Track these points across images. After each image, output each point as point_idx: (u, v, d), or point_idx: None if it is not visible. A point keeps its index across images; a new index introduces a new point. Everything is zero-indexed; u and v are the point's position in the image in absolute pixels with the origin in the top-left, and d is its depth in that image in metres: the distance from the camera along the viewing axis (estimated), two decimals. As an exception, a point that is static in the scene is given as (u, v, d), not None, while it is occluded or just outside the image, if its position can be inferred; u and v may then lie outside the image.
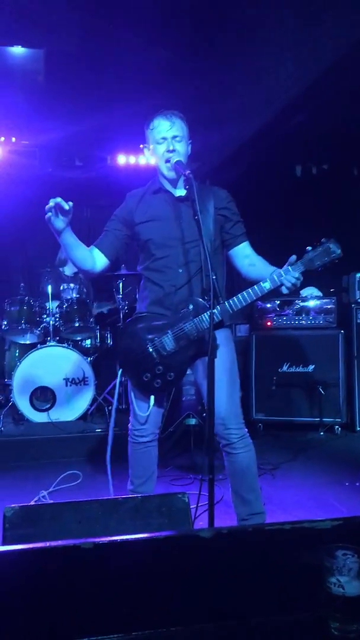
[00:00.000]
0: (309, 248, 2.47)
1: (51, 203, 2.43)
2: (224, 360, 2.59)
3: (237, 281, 2.86)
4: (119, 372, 2.77)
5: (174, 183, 2.66)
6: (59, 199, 2.43)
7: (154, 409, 2.69)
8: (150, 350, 2.60)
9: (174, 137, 2.59)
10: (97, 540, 1.13)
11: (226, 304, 2.52)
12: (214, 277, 2.29)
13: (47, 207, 2.44)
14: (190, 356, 2.63)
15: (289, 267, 2.45)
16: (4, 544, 1.49)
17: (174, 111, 2.65)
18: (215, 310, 2.46)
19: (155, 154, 2.65)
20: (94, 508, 1.53)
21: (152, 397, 2.67)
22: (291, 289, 2.47)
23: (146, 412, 2.68)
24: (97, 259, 2.73)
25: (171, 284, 2.63)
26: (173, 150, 2.58)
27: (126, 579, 1.14)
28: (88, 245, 2.75)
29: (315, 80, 4.29)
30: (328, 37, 3.95)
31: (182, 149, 2.61)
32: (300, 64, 4.36)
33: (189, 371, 2.80)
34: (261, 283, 2.49)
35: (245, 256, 2.72)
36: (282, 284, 2.47)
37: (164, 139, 2.60)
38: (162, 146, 2.60)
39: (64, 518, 1.50)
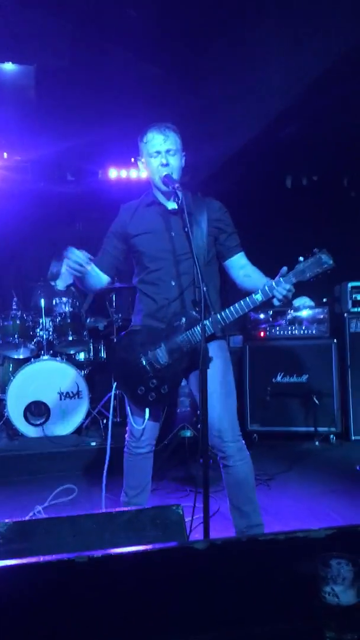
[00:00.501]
0: (301, 259, 2.46)
1: (73, 265, 2.51)
2: (218, 371, 2.59)
3: (231, 292, 2.87)
4: (114, 386, 2.77)
5: (167, 196, 2.67)
6: (81, 261, 2.51)
7: (149, 421, 2.69)
8: (144, 363, 2.61)
9: (168, 150, 2.60)
10: (91, 553, 1.13)
11: (218, 315, 2.53)
12: (204, 289, 2.29)
13: (68, 265, 2.52)
14: (183, 369, 2.63)
15: (280, 279, 2.45)
16: (-2, 559, 1.49)
17: (168, 124, 2.66)
18: (206, 322, 2.46)
19: (148, 167, 2.67)
20: (88, 522, 1.53)
21: (147, 410, 2.67)
22: (282, 300, 2.46)
23: (141, 425, 2.68)
24: (100, 279, 2.81)
25: (164, 297, 2.64)
26: (167, 164, 2.59)
27: (121, 591, 1.14)
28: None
29: (304, 93, 4.34)
30: (315, 50, 4.00)
31: (175, 163, 2.62)
32: (288, 77, 4.41)
33: (184, 382, 2.80)
34: (253, 295, 2.49)
35: (240, 267, 2.72)
36: (273, 296, 2.47)
37: (158, 152, 2.60)
38: (155, 160, 2.61)
39: (58, 532, 1.50)
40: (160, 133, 2.60)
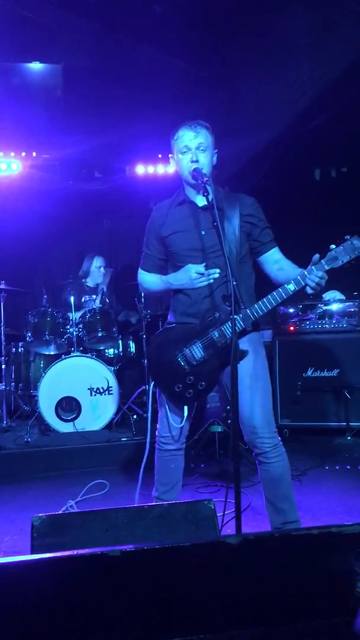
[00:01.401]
0: (332, 246, 2.44)
1: (205, 275, 2.58)
2: (253, 366, 2.58)
3: (269, 287, 2.84)
4: (152, 384, 2.78)
5: (197, 190, 2.66)
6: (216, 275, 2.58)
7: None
8: (180, 361, 2.61)
9: (198, 147, 2.59)
10: (124, 548, 1.13)
11: (248, 310, 2.51)
12: (234, 284, 2.28)
13: (202, 279, 2.58)
14: (219, 364, 2.61)
15: (313, 267, 2.44)
16: (32, 552, 1.51)
17: (200, 121, 2.65)
18: (237, 317, 2.45)
19: (179, 163, 2.67)
20: (120, 516, 1.54)
21: (186, 408, 2.67)
22: (316, 288, 2.45)
23: (180, 423, 2.69)
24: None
25: (197, 293, 2.64)
26: (196, 161, 2.58)
27: (153, 586, 1.14)
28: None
29: (331, 84, 4.28)
30: (342, 40, 3.94)
31: (205, 159, 2.61)
32: (315, 68, 4.35)
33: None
34: (285, 285, 2.48)
35: (274, 262, 2.71)
36: (306, 284, 2.45)
37: (188, 148, 2.60)
38: (186, 156, 2.61)
39: (91, 526, 1.51)
40: (190, 129, 2.60)
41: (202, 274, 2.58)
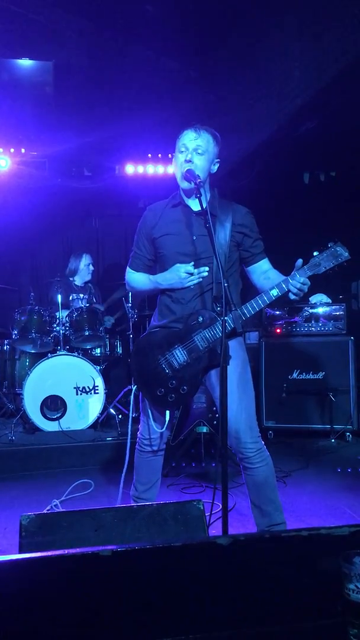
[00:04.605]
0: (315, 252, 2.47)
1: (195, 275, 2.57)
2: (235, 370, 2.58)
3: (251, 295, 2.87)
4: (134, 388, 2.78)
5: (189, 194, 2.65)
6: (204, 274, 2.57)
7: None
8: (163, 365, 2.61)
9: (196, 148, 2.58)
10: (115, 547, 1.13)
11: (238, 311, 2.52)
12: (226, 285, 2.29)
13: (191, 278, 2.58)
14: (202, 368, 2.62)
15: (296, 273, 2.46)
16: (20, 552, 1.50)
17: (207, 127, 2.65)
18: (227, 318, 2.45)
19: (175, 162, 2.67)
20: (109, 516, 1.54)
21: (168, 413, 2.67)
22: (298, 294, 2.47)
23: (161, 428, 2.70)
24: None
25: (182, 297, 2.64)
26: (190, 161, 2.57)
27: (144, 586, 1.14)
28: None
29: (322, 89, 4.30)
30: (334, 45, 3.97)
31: (200, 163, 2.59)
32: (306, 73, 4.38)
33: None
34: (268, 290, 2.50)
35: (262, 272, 2.73)
36: (289, 290, 2.46)
37: (186, 148, 2.59)
38: (181, 155, 2.61)
39: (80, 526, 1.51)
40: (193, 131, 2.60)
41: (191, 274, 2.57)
